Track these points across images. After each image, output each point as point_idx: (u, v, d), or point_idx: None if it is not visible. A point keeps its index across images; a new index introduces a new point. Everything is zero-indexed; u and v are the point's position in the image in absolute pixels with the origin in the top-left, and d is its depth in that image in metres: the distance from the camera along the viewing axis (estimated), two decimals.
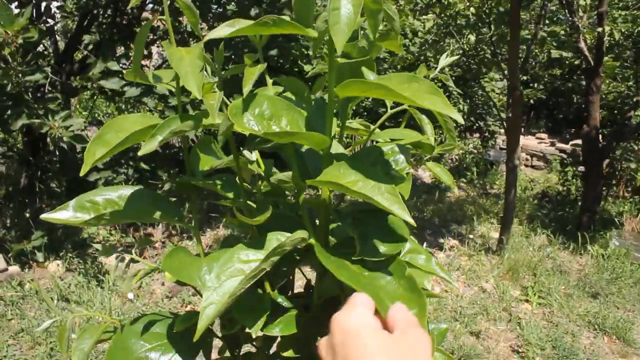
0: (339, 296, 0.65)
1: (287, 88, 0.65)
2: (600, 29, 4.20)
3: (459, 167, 7.18)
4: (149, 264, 0.65)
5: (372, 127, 0.75)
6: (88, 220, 0.65)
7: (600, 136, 4.77)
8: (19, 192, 3.62)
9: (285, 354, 0.65)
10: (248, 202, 0.64)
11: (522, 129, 7.73)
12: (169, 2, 0.59)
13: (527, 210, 5.68)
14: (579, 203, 5.36)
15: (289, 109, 0.58)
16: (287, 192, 0.75)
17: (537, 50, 5.63)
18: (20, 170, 3.64)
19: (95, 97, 4.15)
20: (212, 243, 3.94)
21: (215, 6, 4.03)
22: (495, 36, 4.24)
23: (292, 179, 0.80)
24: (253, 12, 3.36)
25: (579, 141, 7.42)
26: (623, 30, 4.70)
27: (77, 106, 7.01)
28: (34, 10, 2.99)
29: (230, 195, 0.64)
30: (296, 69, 5.58)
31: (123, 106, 5.61)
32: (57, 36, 4.11)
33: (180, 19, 4.18)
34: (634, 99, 5.06)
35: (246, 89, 0.55)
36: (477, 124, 7.98)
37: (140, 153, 0.55)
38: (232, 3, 3.83)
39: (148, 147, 0.55)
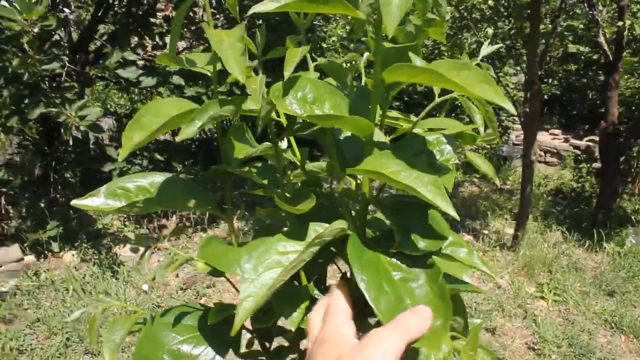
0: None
1: (329, 72, 0.63)
2: (620, 23, 4.13)
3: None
4: (182, 254, 0.63)
5: (410, 116, 0.73)
6: (121, 208, 0.63)
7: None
8: (33, 182, 3.63)
9: None
10: (285, 190, 0.62)
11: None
12: None
13: (542, 207, 5.63)
14: (594, 200, 5.30)
15: (332, 93, 0.55)
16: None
17: (557, 44, 5.55)
18: (34, 160, 3.65)
19: (109, 88, 4.14)
20: (227, 235, 3.93)
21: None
22: (514, 29, 4.18)
23: (329, 167, 0.77)
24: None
25: (594, 137, 7.35)
26: None
27: (90, 97, 7.03)
28: None
29: (266, 182, 0.62)
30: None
31: (136, 97, 5.61)
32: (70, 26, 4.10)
33: (196, 9, 4.16)
34: None
35: (288, 71, 0.53)
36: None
37: (178, 138, 0.53)
38: None
39: (187, 132, 0.53)
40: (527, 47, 3.81)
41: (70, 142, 3.62)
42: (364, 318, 0.56)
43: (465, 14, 4.69)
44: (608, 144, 4.62)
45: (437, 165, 0.57)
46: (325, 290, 0.69)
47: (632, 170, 6.08)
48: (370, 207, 0.63)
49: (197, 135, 5.22)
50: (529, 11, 3.82)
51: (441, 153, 0.59)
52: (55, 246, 3.23)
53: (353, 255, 0.52)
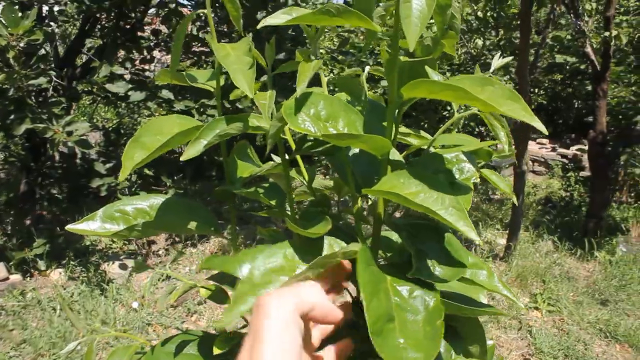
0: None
1: (340, 87, 0.60)
2: (607, 33, 4.16)
3: None
4: (186, 280, 0.59)
5: (420, 132, 0.70)
6: (119, 232, 0.60)
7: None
8: (18, 199, 3.55)
9: None
10: (294, 212, 0.58)
11: None
12: None
13: (532, 216, 5.63)
14: (583, 209, 5.32)
15: (347, 110, 0.52)
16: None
17: (546, 54, 5.60)
18: (20, 176, 3.58)
19: (96, 103, 4.09)
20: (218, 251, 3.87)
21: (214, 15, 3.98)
22: (503, 40, 4.20)
23: (337, 186, 0.74)
24: (260, 15, 3.31)
25: (581, 146, 7.40)
26: (626, 35, 4.67)
27: (76, 112, 6.95)
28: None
29: (274, 203, 0.58)
30: None
31: (123, 111, 5.56)
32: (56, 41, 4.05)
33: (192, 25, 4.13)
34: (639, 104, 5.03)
35: (301, 87, 0.50)
36: (477, 129, 7.94)
37: (183, 158, 0.49)
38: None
39: (192, 151, 0.49)
40: (518, 58, 3.83)
41: (57, 158, 3.56)
42: None
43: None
44: (597, 153, 4.64)
45: (458, 184, 0.54)
46: None
47: (619, 178, 6.13)
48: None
49: None
50: (518, 22, 3.84)
51: (461, 171, 0.56)
52: (41, 264, 3.15)
53: (363, 274, 0.49)
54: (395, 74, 0.51)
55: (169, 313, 2.96)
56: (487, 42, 4.58)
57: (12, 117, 2.51)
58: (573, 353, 2.99)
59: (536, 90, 9.21)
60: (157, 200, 0.64)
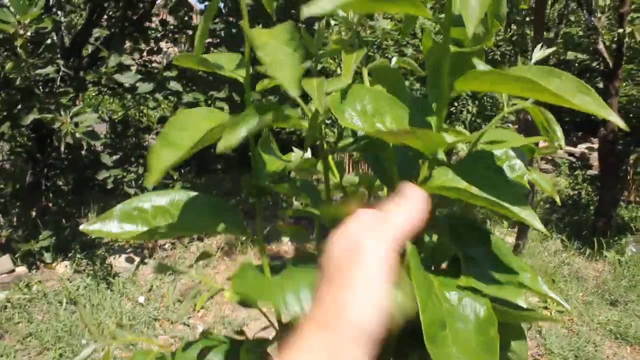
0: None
1: (379, 79, 0.56)
2: (620, 30, 4.10)
3: None
4: (213, 283, 0.55)
5: (455, 127, 0.66)
6: (140, 234, 0.55)
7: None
8: (24, 190, 3.52)
9: None
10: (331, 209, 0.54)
11: None
12: None
13: (539, 214, 5.57)
14: (591, 207, 5.26)
15: (392, 104, 0.48)
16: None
17: (560, 51, 5.54)
18: (26, 168, 3.55)
19: (102, 94, 4.05)
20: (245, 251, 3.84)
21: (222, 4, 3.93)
22: (516, 36, 4.15)
23: (364, 183, 0.70)
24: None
25: (589, 144, 7.34)
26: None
27: (82, 103, 6.92)
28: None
29: (310, 202, 0.54)
30: None
31: (129, 103, 5.52)
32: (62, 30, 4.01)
33: (191, 13, 4.08)
34: None
35: (346, 79, 0.46)
36: (484, 124, 7.87)
37: (218, 149, 0.45)
38: None
39: (230, 140, 0.45)
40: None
41: (62, 149, 3.53)
42: None
43: None
44: (608, 151, 4.58)
45: (511, 182, 0.50)
46: None
47: (628, 177, 6.08)
48: None
49: None
50: (531, 18, 3.78)
51: (512, 169, 0.52)
52: (47, 257, 3.12)
53: (416, 276, 0.44)
54: (446, 65, 0.46)
55: (175, 308, 2.93)
56: (498, 38, 4.52)
57: (19, 106, 2.47)
58: (583, 354, 2.95)
59: None
60: (178, 196, 0.60)
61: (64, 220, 3.39)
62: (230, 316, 2.89)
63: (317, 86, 0.44)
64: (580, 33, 5.16)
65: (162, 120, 3.74)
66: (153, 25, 4.00)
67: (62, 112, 2.43)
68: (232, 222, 0.57)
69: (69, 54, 3.47)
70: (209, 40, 3.79)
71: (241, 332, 0.79)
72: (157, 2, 3.98)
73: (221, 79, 3.18)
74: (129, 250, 3.39)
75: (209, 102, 3.14)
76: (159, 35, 3.83)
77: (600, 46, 4.42)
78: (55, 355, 2.39)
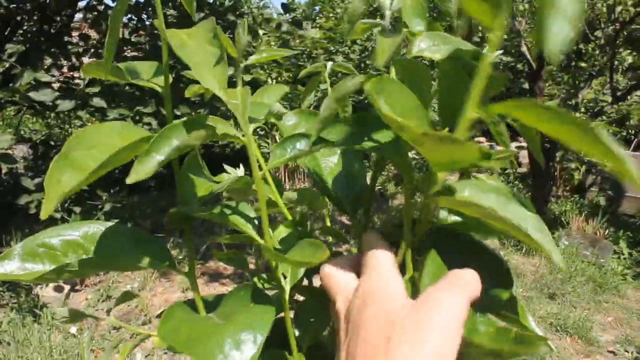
0: None
1: (404, 76, 0.46)
2: None
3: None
4: (139, 330, 0.47)
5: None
6: (45, 275, 0.46)
7: None
8: None
9: None
10: (269, 236, 0.47)
11: None
12: None
13: None
14: None
15: (417, 108, 0.40)
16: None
17: None
18: None
19: (22, 113, 3.79)
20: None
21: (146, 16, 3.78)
22: None
23: (306, 200, 0.63)
24: (197, 17, 3.16)
25: (518, 143, 7.61)
26: None
27: (1, 123, 6.51)
28: None
29: (250, 229, 0.47)
30: None
31: (52, 122, 5.22)
32: None
33: None
34: (573, 101, 5.19)
35: (382, 58, 0.38)
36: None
37: (130, 180, 0.37)
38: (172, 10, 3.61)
39: (143, 170, 0.37)
40: None
41: None
42: None
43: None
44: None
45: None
46: None
47: (556, 173, 6.34)
48: None
49: None
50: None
51: None
52: None
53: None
54: (480, 81, 0.38)
55: (112, 336, 2.75)
56: None
57: None
58: None
59: None
60: (92, 228, 0.51)
61: None
62: None
63: (242, 97, 0.36)
64: (505, 37, 5.33)
65: None
66: (73, 40, 3.79)
67: None
68: (155, 255, 0.49)
69: None
70: (134, 53, 3.63)
71: None
72: (77, 16, 3.78)
73: (149, 92, 3.04)
74: (67, 316, 3.16)
75: (137, 117, 2.99)
76: (80, 50, 3.63)
77: (524, 48, 4.59)
78: None
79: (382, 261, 0.39)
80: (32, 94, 2.61)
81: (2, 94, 2.69)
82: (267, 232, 0.46)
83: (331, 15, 7.43)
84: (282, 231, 0.54)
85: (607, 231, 4.97)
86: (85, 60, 4.55)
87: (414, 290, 0.40)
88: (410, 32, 0.46)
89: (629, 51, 5.14)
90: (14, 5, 2.75)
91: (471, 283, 0.36)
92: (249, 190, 0.57)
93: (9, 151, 2.59)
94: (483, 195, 0.37)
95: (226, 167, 0.61)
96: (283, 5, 4.37)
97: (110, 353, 0.48)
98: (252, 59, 0.42)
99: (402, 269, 0.42)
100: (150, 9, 3.65)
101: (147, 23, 3.59)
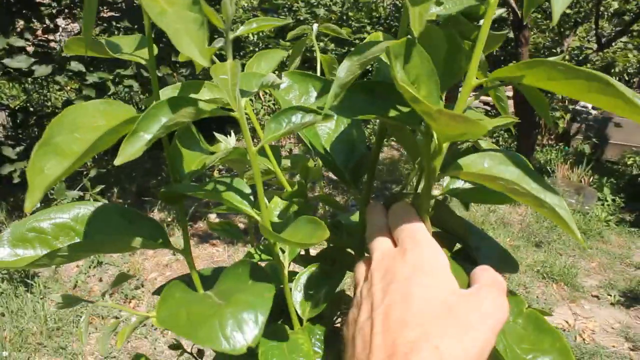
0: None
1: (424, 43, 0.43)
2: None
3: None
4: (137, 312, 0.46)
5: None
6: (37, 261, 0.45)
7: None
8: None
9: None
10: (266, 210, 0.45)
11: None
12: None
13: None
14: None
15: (430, 75, 0.37)
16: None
17: None
18: None
19: None
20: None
21: None
22: None
23: (299, 167, 0.62)
24: None
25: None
26: None
27: None
28: None
29: (246, 206, 0.45)
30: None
31: (30, 86, 5.10)
32: None
33: None
34: (558, 49, 5.16)
35: (417, 30, 0.36)
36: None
37: (118, 161, 0.35)
38: None
39: (130, 150, 0.35)
40: None
41: None
42: None
43: None
44: (522, 99, 4.74)
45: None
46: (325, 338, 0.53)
47: (541, 122, 6.36)
48: None
49: None
50: None
51: None
52: None
53: None
54: (480, 47, 0.36)
55: (104, 301, 2.76)
56: None
57: None
58: None
59: None
60: (83, 210, 0.49)
61: None
62: None
63: (231, 70, 0.34)
64: None
65: (68, 103, 3.46)
66: (45, 1, 3.66)
67: None
68: (148, 234, 0.48)
69: None
70: (110, 13, 3.51)
71: (177, 347, 0.70)
72: None
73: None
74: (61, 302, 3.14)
75: (116, 79, 2.91)
76: (53, 11, 3.51)
77: None
78: None
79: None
80: (6, 61, 2.53)
81: None
82: (264, 212, 0.44)
83: None
84: (279, 203, 0.53)
85: (591, 178, 5.04)
86: (60, 22, 4.41)
87: None
88: None
89: None
90: None
91: (504, 284, 0.37)
92: (246, 160, 0.55)
93: None
94: (502, 166, 0.35)
95: (217, 135, 0.59)
96: None
97: (108, 337, 0.47)
98: (241, 30, 0.40)
99: None
100: None
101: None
